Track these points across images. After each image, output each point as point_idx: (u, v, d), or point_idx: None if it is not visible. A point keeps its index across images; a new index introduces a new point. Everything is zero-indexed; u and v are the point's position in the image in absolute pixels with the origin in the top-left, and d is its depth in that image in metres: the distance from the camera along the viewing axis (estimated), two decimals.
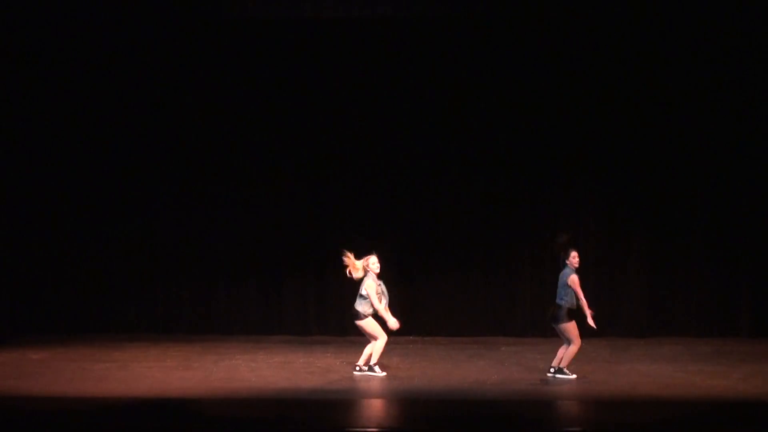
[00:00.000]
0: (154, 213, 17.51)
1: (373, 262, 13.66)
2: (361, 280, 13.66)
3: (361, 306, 13.60)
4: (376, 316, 13.65)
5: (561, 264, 13.48)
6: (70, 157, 17.40)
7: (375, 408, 11.92)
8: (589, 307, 13.23)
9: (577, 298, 13.22)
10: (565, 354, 13.35)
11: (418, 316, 17.21)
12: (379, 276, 13.68)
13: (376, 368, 13.69)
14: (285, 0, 16.26)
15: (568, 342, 13.31)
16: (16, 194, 17.39)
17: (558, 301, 13.32)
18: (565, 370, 13.37)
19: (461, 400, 12.19)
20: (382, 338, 13.65)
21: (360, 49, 17.11)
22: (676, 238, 17.11)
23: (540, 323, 17.22)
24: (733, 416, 11.39)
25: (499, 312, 17.31)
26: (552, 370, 13.43)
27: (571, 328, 13.27)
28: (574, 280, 13.21)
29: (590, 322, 13.16)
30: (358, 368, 13.75)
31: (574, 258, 13.36)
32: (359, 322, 13.63)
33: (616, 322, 16.99)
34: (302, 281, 17.39)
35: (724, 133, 16.90)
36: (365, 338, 13.82)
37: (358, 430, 10.68)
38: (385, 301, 13.64)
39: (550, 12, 16.48)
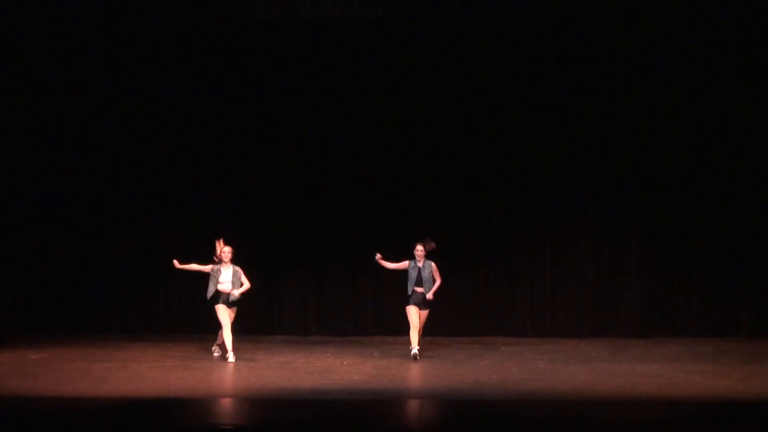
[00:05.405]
0: (153, 213, 17.49)
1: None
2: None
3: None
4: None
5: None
6: (69, 156, 17.38)
7: (374, 408, 11.91)
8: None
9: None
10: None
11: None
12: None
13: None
14: (285, 0, 16.26)
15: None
16: (16, 194, 17.38)
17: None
18: None
19: (461, 400, 12.18)
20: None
21: (360, 50, 17.10)
22: (676, 238, 17.11)
23: (540, 323, 17.25)
24: (733, 416, 11.38)
25: (499, 312, 17.30)
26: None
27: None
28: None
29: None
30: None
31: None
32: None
33: (616, 322, 17.00)
34: (302, 281, 17.39)
35: (724, 132, 16.90)
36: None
37: (357, 430, 10.68)
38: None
39: (546, 12, 16.45)
